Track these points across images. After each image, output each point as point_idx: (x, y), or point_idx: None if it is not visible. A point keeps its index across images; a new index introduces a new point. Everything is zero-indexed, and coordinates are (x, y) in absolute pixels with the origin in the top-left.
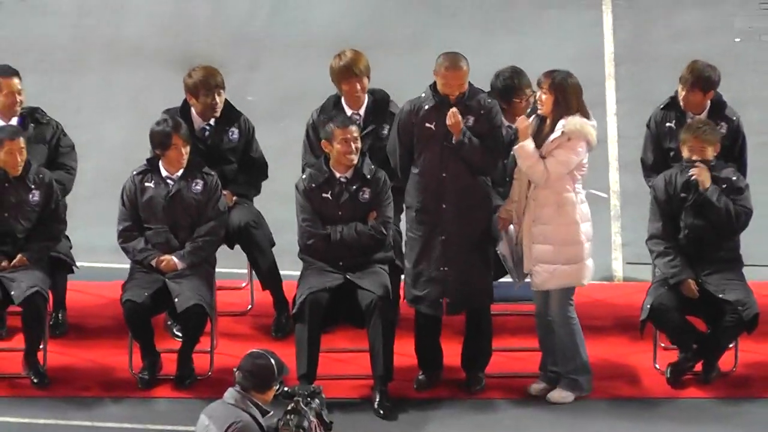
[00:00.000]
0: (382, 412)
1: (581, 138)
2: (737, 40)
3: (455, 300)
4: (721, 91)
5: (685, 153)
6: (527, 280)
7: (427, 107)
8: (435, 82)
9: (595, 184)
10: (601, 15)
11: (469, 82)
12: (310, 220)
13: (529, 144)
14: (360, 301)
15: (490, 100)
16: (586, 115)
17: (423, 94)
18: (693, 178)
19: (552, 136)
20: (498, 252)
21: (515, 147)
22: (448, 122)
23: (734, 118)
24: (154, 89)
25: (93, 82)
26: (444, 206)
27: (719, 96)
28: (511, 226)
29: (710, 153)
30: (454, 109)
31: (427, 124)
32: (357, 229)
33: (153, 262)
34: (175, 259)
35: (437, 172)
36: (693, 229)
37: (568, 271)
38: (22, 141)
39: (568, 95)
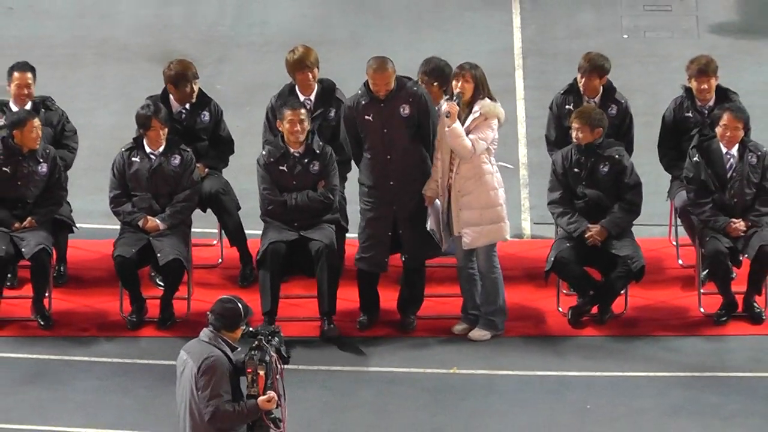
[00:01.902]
0: (329, 333)
1: (494, 116)
2: (625, 36)
3: (411, 257)
4: (611, 79)
5: (574, 134)
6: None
7: (363, 102)
8: (367, 81)
9: (508, 158)
10: (510, 16)
11: (397, 75)
12: (270, 188)
13: (458, 125)
14: (310, 248)
15: (416, 88)
16: (493, 99)
17: (359, 91)
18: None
19: (471, 117)
20: (427, 228)
21: (447, 128)
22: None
23: (623, 101)
24: (138, 80)
25: (87, 74)
26: (391, 183)
27: (610, 83)
28: (437, 201)
29: (590, 136)
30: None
31: (366, 117)
32: (309, 195)
33: (139, 223)
34: (158, 221)
35: (383, 155)
36: (589, 197)
37: (492, 230)
38: (37, 121)
39: (484, 83)
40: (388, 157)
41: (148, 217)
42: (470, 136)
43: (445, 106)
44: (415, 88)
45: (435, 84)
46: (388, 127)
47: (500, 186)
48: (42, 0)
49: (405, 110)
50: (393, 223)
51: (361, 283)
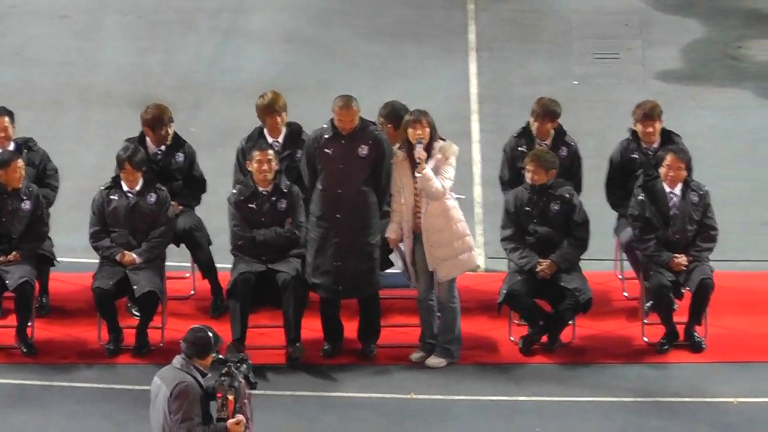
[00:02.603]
0: (293, 354)
1: (452, 154)
2: (575, 83)
3: (347, 288)
4: (562, 122)
5: (527, 176)
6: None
7: (326, 137)
8: (333, 118)
9: (464, 195)
10: (467, 64)
11: (361, 117)
12: (239, 225)
13: (428, 169)
14: (278, 279)
15: (377, 132)
16: (443, 139)
17: (324, 126)
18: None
19: (432, 160)
20: (396, 266)
21: (420, 174)
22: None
23: (573, 143)
24: (119, 123)
25: (72, 118)
26: (338, 216)
27: (561, 126)
28: (401, 244)
29: (544, 177)
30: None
31: (326, 150)
32: (276, 231)
33: (117, 258)
34: (134, 255)
35: (334, 188)
36: (540, 234)
37: (464, 259)
38: (20, 162)
39: (434, 127)
40: (339, 191)
41: (125, 251)
42: (437, 177)
43: (397, 155)
44: (376, 132)
45: (390, 126)
46: (345, 163)
47: (462, 218)
48: (28, 48)
49: (363, 150)
50: (335, 253)
51: (323, 311)
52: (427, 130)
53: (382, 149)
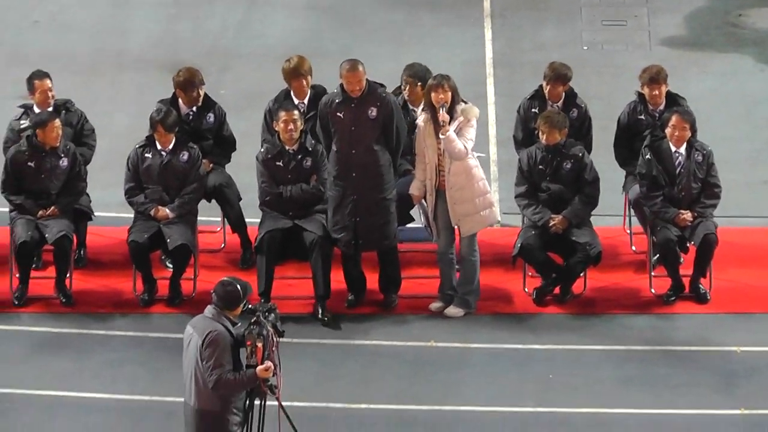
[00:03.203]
0: (325, 321)
1: (473, 116)
2: (585, 48)
3: (365, 242)
4: (572, 86)
5: (541, 136)
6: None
7: (337, 101)
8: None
9: (484, 154)
10: (483, 31)
11: (369, 80)
12: (267, 182)
13: (451, 131)
14: (305, 239)
15: (384, 94)
16: (465, 102)
17: (335, 91)
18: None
19: (455, 122)
20: (421, 224)
21: (443, 136)
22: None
23: (583, 105)
24: (151, 86)
25: (106, 81)
26: (354, 174)
27: (571, 89)
28: (423, 200)
29: (557, 137)
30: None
31: (338, 114)
32: (302, 188)
33: (151, 213)
34: (167, 211)
35: (348, 149)
36: (552, 191)
37: (485, 215)
38: (57, 122)
39: (456, 91)
40: (353, 152)
41: (159, 207)
42: (459, 138)
43: (421, 118)
44: (384, 94)
45: (419, 85)
46: (356, 125)
47: (484, 176)
48: (64, 14)
49: (373, 112)
50: (353, 210)
51: (345, 264)
52: (449, 94)
53: (390, 109)
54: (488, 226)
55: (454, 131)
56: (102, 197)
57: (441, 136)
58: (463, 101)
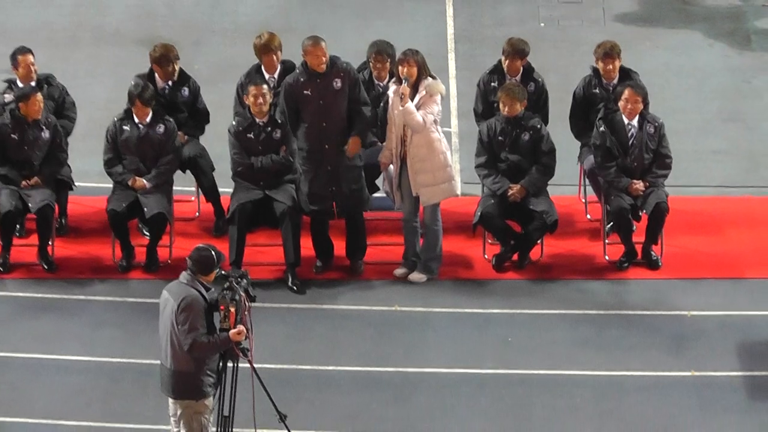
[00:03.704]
0: (294, 288)
1: (437, 92)
2: (542, 24)
3: (344, 208)
4: (530, 60)
5: (502, 108)
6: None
7: (302, 80)
8: (305, 61)
9: (443, 127)
10: (444, 6)
11: (330, 55)
12: (239, 153)
13: (410, 104)
14: (275, 208)
15: (345, 64)
16: (433, 77)
17: (297, 70)
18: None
19: (417, 96)
20: (383, 189)
21: (402, 108)
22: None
23: (540, 79)
24: (128, 60)
25: (85, 55)
26: (327, 146)
27: (529, 64)
28: (391, 166)
29: (518, 108)
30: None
31: (305, 91)
32: (272, 158)
33: (129, 182)
34: (144, 181)
35: (319, 123)
36: (511, 161)
37: (445, 188)
38: (39, 96)
39: (424, 66)
40: (324, 124)
41: (136, 177)
42: (420, 111)
43: (392, 89)
44: (345, 65)
45: (383, 60)
46: (323, 98)
47: (447, 150)
48: None
49: (338, 83)
50: (329, 180)
51: (314, 232)
52: (415, 68)
53: (352, 78)
54: (445, 198)
55: (416, 104)
56: (82, 167)
57: (399, 108)
58: (431, 76)
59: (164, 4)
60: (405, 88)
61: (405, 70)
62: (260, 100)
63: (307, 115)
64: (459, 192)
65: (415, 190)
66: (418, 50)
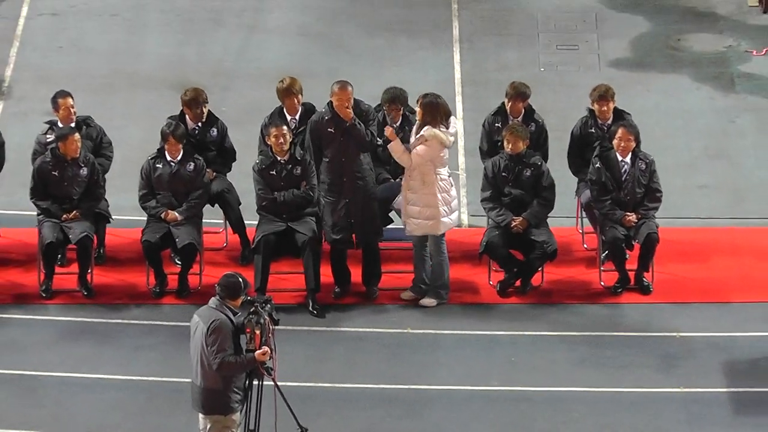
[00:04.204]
0: (314, 312)
1: (434, 140)
2: (542, 69)
3: (362, 238)
4: (531, 102)
5: (506, 146)
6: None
7: (326, 118)
8: (331, 101)
9: (451, 165)
10: (452, 53)
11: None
12: (263, 189)
13: (396, 143)
14: (297, 239)
15: (367, 106)
16: (446, 126)
17: (323, 109)
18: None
19: (414, 137)
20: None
21: (389, 145)
22: (386, 133)
23: (540, 120)
24: (161, 103)
25: (121, 99)
26: (345, 180)
27: (530, 105)
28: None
29: (521, 146)
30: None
31: (329, 129)
32: (294, 193)
33: (162, 215)
34: (176, 214)
35: (339, 159)
36: (514, 195)
37: (428, 225)
38: (77, 135)
39: (432, 111)
40: (343, 160)
41: (169, 210)
42: (413, 151)
43: (386, 130)
44: (365, 106)
45: (395, 105)
46: (344, 136)
47: (443, 191)
48: (84, 40)
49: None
50: (347, 211)
51: (333, 260)
52: (419, 111)
53: (366, 118)
54: (429, 234)
55: (412, 144)
56: (118, 202)
57: (388, 146)
58: (444, 126)
59: (195, 52)
60: (388, 128)
61: (392, 113)
62: (281, 140)
63: (329, 151)
64: (440, 233)
65: (403, 218)
66: (437, 95)
